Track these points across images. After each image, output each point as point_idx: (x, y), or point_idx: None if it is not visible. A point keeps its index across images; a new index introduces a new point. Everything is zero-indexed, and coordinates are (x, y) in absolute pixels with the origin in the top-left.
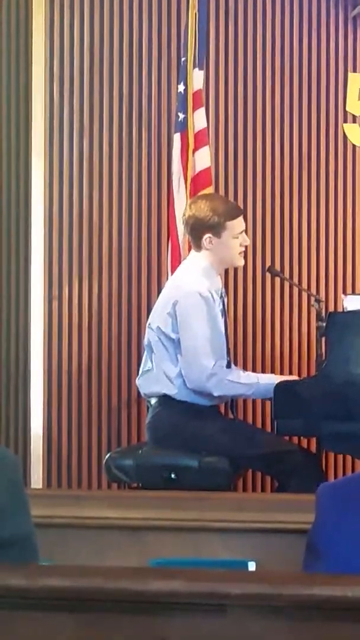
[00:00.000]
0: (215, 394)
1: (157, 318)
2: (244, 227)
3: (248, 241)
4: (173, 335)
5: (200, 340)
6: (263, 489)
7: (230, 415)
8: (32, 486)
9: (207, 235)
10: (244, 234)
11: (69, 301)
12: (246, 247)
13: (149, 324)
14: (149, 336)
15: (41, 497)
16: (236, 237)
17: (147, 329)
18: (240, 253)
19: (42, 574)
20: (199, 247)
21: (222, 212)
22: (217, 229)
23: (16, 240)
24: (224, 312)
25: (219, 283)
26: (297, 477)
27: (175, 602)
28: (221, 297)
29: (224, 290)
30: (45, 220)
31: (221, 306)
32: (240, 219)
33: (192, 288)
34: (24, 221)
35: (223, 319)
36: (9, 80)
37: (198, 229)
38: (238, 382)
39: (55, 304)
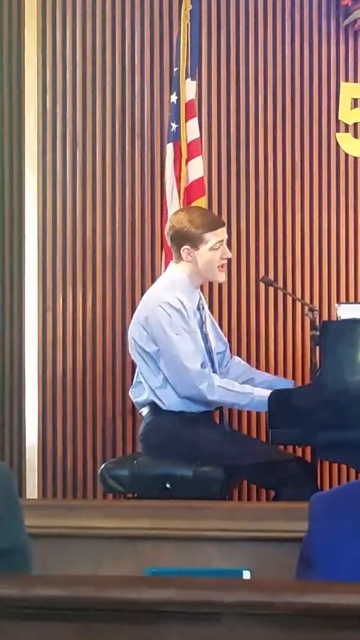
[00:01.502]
0: (210, 397)
1: (133, 330)
2: (223, 238)
3: (230, 254)
4: (147, 349)
5: (179, 346)
6: (258, 498)
7: (223, 426)
8: (28, 496)
9: (185, 247)
10: (225, 246)
11: (63, 312)
12: (226, 259)
13: (128, 334)
14: (130, 348)
15: (36, 507)
16: (215, 248)
17: (128, 340)
18: (221, 266)
19: (36, 584)
20: (178, 258)
21: (200, 223)
22: (194, 241)
23: (10, 251)
24: (202, 324)
25: (196, 296)
26: (292, 486)
27: (170, 610)
28: (199, 309)
29: (203, 302)
30: (38, 231)
31: (199, 317)
32: (220, 230)
33: (161, 300)
34: (17, 232)
35: (203, 332)
36: (2, 91)
37: (176, 240)
38: (232, 390)
39: (49, 314)
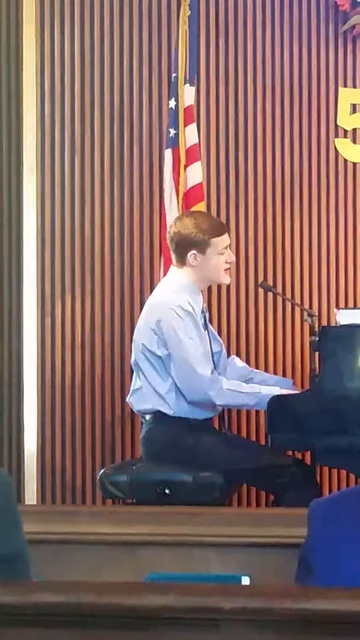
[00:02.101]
0: (218, 402)
1: (141, 336)
2: (228, 243)
3: (233, 258)
4: (159, 352)
5: (192, 352)
6: (258, 504)
7: (223, 430)
8: (26, 502)
9: (191, 252)
10: (229, 250)
11: (62, 317)
12: (230, 263)
13: (134, 342)
14: (135, 355)
15: (35, 513)
16: (221, 253)
17: (132, 348)
18: (225, 270)
19: (35, 590)
20: (182, 263)
21: (207, 228)
22: (201, 246)
23: (8, 256)
24: (206, 328)
25: (200, 300)
26: (293, 491)
27: (169, 617)
28: (203, 312)
29: (205, 307)
30: (37, 237)
31: (203, 321)
32: (225, 235)
33: (173, 304)
34: (16, 237)
35: (207, 335)
36: (0, 97)
37: (182, 246)
38: (240, 392)
39: (48, 320)
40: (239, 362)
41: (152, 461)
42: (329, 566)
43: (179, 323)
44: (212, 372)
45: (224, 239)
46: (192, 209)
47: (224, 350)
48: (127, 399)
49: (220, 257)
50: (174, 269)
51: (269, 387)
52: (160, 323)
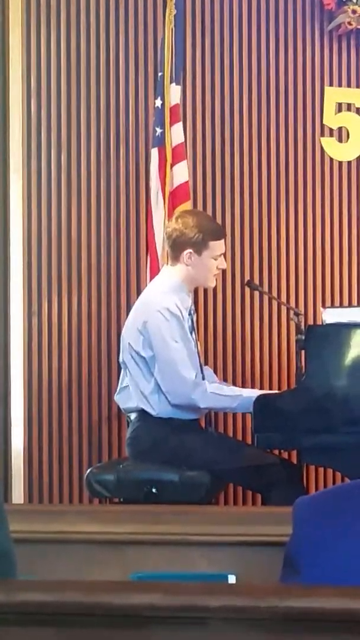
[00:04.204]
0: (202, 405)
1: (129, 335)
2: (223, 250)
3: (225, 265)
4: (143, 353)
5: (177, 354)
6: (244, 503)
7: (209, 430)
8: (14, 501)
9: (188, 251)
10: (222, 257)
11: (48, 317)
12: (221, 270)
13: (122, 340)
14: (122, 354)
15: (22, 512)
16: (215, 258)
17: (121, 346)
18: (215, 275)
19: (21, 589)
20: (176, 260)
21: (207, 230)
22: (199, 247)
23: None
24: (193, 330)
25: (188, 301)
26: (279, 490)
27: (155, 615)
28: (190, 314)
29: (193, 307)
30: (23, 236)
31: (190, 323)
32: (222, 241)
33: (160, 305)
34: (2, 236)
35: (193, 337)
36: None
37: (180, 243)
38: (222, 395)
39: (34, 319)
40: (212, 373)
41: (138, 461)
42: (314, 565)
43: (164, 325)
44: (197, 376)
45: (221, 245)
46: (178, 208)
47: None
48: (114, 397)
49: (213, 261)
50: (165, 267)
51: (249, 389)
52: (146, 324)
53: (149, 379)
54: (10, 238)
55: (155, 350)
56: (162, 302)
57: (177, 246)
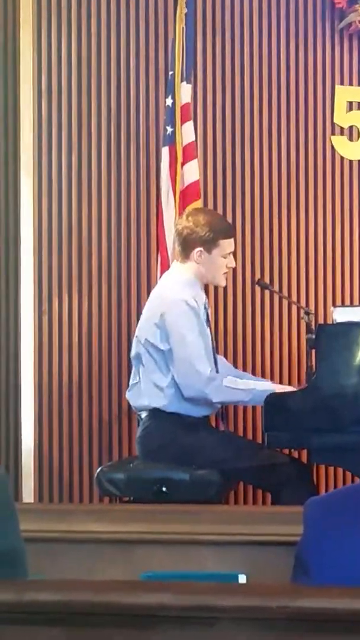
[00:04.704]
0: (215, 400)
1: (145, 330)
2: (233, 249)
3: (234, 264)
4: (162, 346)
5: (193, 348)
6: (254, 502)
7: (221, 426)
8: (24, 500)
9: (198, 249)
10: (231, 256)
11: (59, 315)
12: (230, 268)
13: (137, 337)
14: (136, 349)
15: (32, 511)
16: (225, 256)
17: (134, 342)
18: (224, 274)
19: (31, 588)
20: (186, 258)
21: (218, 229)
22: (209, 245)
23: (5, 255)
24: (208, 323)
25: (203, 297)
26: (289, 489)
27: (165, 615)
28: (205, 308)
29: (207, 302)
30: (34, 235)
31: (205, 317)
32: (232, 240)
33: (179, 297)
34: (13, 236)
35: (208, 330)
36: None
37: (191, 241)
38: (236, 388)
39: (45, 318)
40: (226, 363)
41: (148, 459)
42: (325, 565)
43: (182, 318)
44: (211, 370)
45: (230, 243)
46: (189, 207)
47: None
48: (126, 394)
49: (223, 259)
50: (176, 264)
51: (262, 382)
52: (164, 316)
53: (166, 373)
54: (21, 237)
55: (172, 343)
56: (180, 294)
57: (187, 244)
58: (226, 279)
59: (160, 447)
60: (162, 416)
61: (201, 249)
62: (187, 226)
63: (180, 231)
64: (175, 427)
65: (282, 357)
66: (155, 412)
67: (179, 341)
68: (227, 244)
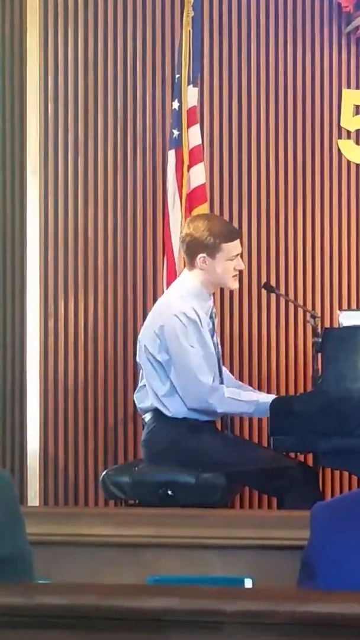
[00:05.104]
0: (219, 410)
1: (145, 337)
2: (239, 251)
3: (243, 266)
4: (159, 357)
5: (193, 359)
6: (260, 506)
7: (225, 432)
8: (29, 503)
9: (201, 255)
10: (239, 258)
11: (64, 318)
12: (239, 270)
13: (139, 341)
14: (139, 353)
15: (38, 514)
16: (231, 259)
17: (137, 345)
18: (234, 276)
19: (37, 592)
20: (192, 265)
21: (219, 233)
22: (211, 250)
23: (11, 257)
24: (214, 333)
25: (209, 304)
26: (295, 492)
27: (172, 619)
28: (211, 317)
29: (214, 310)
30: (40, 238)
31: (210, 326)
32: (237, 242)
33: (177, 309)
34: (19, 238)
35: (213, 340)
36: (4, 98)
37: (193, 248)
38: (239, 400)
39: (51, 321)
40: (230, 376)
41: (152, 462)
42: (332, 570)
43: (181, 330)
44: (214, 380)
45: (235, 246)
46: (195, 211)
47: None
48: (133, 395)
49: (229, 263)
50: (185, 271)
51: (265, 394)
52: (163, 328)
53: (164, 381)
54: (27, 240)
55: (172, 355)
56: (179, 306)
57: (190, 251)
58: (237, 283)
59: (165, 449)
60: (165, 419)
61: (204, 255)
62: (188, 233)
63: (183, 239)
64: (179, 430)
65: (288, 360)
66: (159, 414)
67: (179, 352)
68: (232, 247)
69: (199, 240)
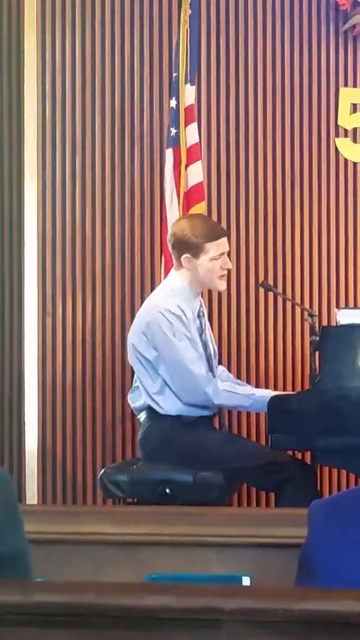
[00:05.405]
0: (216, 401)
1: (133, 336)
2: (225, 250)
3: (230, 265)
4: (147, 355)
5: (184, 352)
6: (257, 504)
7: (223, 429)
8: (27, 502)
9: (185, 256)
10: (225, 257)
11: (62, 317)
12: (226, 270)
13: (128, 341)
14: (128, 353)
15: (36, 513)
16: (215, 258)
17: (127, 346)
18: (221, 277)
19: (35, 590)
20: (179, 265)
21: (201, 233)
22: (195, 250)
23: (9, 257)
24: (202, 332)
25: (196, 303)
26: (292, 489)
27: (170, 617)
28: (199, 316)
29: (203, 310)
30: (38, 237)
31: (198, 324)
32: (222, 241)
33: (161, 307)
34: (17, 238)
35: (202, 338)
36: (1, 99)
37: (177, 248)
38: (236, 393)
39: (49, 320)
40: (225, 372)
41: (150, 461)
42: (329, 568)
43: (167, 326)
44: (207, 372)
45: (220, 244)
46: (193, 209)
47: (216, 360)
48: (127, 395)
49: (214, 262)
50: (172, 271)
51: (262, 389)
52: (149, 325)
53: (154, 379)
54: (25, 240)
55: (160, 351)
56: (163, 304)
57: (175, 251)
58: (226, 282)
59: (160, 447)
60: (159, 416)
61: (188, 255)
62: (172, 234)
63: (169, 239)
64: (175, 427)
65: (286, 359)
66: (152, 412)
67: (167, 347)
68: (215, 247)
69: (182, 241)
